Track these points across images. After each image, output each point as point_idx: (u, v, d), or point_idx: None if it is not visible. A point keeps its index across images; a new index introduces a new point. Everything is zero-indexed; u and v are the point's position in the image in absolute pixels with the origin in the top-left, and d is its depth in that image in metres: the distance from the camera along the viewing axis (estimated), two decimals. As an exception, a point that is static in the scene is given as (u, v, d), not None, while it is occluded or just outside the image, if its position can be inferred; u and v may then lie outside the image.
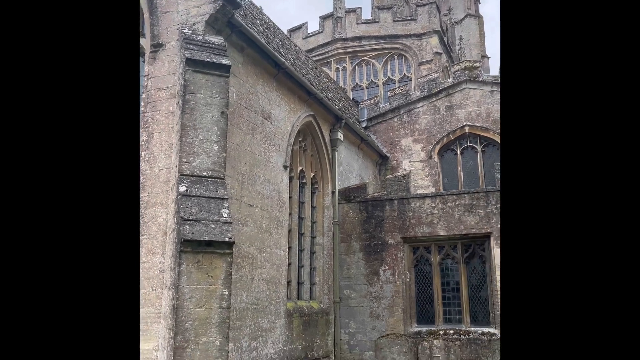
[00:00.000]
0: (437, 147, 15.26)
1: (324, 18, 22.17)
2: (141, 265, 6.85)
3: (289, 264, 9.55)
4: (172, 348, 5.79)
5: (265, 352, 8.28)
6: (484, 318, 10.52)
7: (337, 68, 21.66)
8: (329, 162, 11.45)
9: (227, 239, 6.17)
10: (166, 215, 6.88)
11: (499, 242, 10.12)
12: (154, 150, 7.22)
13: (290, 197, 9.84)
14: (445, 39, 22.42)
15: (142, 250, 6.92)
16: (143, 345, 6.53)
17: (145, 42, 7.79)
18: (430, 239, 11.00)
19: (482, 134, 14.90)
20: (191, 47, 7.00)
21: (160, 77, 7.47)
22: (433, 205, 10.98)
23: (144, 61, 7.76)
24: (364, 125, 16.03)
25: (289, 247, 9.63)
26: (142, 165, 7.22)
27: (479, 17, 31.71)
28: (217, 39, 7.36)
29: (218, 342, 5.91)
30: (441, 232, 10.83)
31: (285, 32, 19.46)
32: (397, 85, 19.74)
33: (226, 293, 6.08)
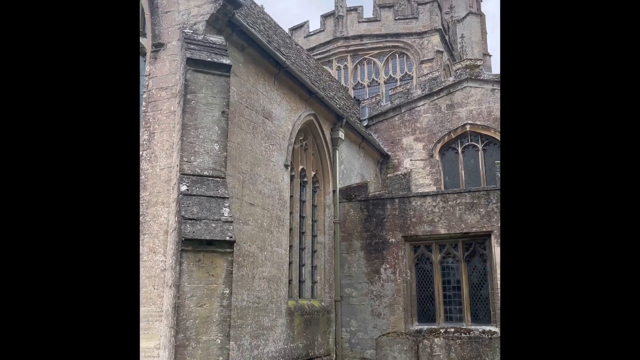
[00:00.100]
0: (439, 146, 15.27)
1: (325, 17, 22.17)
2: (143, 264, 6.88)
3: (290, 263, 9.58)
4: (173, 346, 5.82)
5: (267, 350, 8.32)
6: (485, 316, 10.54)
7: (339, 67, 21.66)
8: (330, 160, 11.47)
9: (227, 238, 6.20)
10: (167, 214, 6.92)
11: (499, 240, 10.14)
12: (155, 150, 7.25)
13: (291, 196, 9.87)
14: (446, 37, 22.40)
15: (144, 249, 6.95)
16: (145, 344, 6.57)
17: (146, 42, 7.81)
18: (431, 237, 11.02)
19: (483, 132, 14.90)
20: (192, 46, 7.02)
21: (161, 76, 7.50)
22: (434, 203, 11.00)
23: (145, 61, 7.79)
24: (365, 123, 16.04)
25: (290, 246, 9.66)
26: (144, 165, 7.25)
27: (480, 15, 31.65)
28: (217, 39, 7.38)
29: (219, 341, 5.94)
30: (442, 231, 10.84)
31: (287, 31, 19.46)
32: (398, 83, 19.74)
33: (227, 292, 6.11)
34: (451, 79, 15.61)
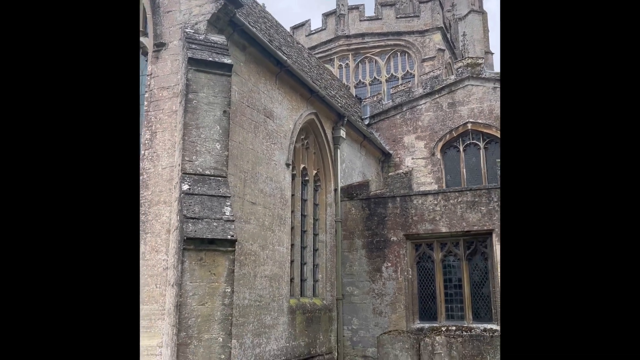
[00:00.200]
0: (440, 144, 15.28)
1: (326, 15, 22.17)
2: (145, 262, 6.92)
3: (292, 261, 9.61)
4: (175, 345, 5.86)
5: (269, 348, 8.35)
6: (486, 314, 10.57)
7: (340, 65, 21.67)
8: (331, 159, 11.49)
9: (229, 236, 6.23)
10: (169, 213, 6.95)
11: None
12: (157, 149, 7.28)
13: (292, 195, 9.89)
14: (448, 36, 22.38)
15: (146, 248, 6.99)
16: (147, 342, 6.61)
17: (148, 42, 7.84)
18: (433, 236, 11.04)
19: (484, 130, 14.91)
20: (193, 46, 7.05)
21: (163, 76, 7.53)
22: (435, 202, 11.02)
23: (147, 60, 7.82)
24: (366, 122, 16.05)
25: (292, 245, 9.69)
26: (146, 164, 7.29)
27: (482, 13, 31.61)
28: (219, 38, 7.40)
29: (221, 339, 5.98)
30: (443, 229, 10.86)
31: (288, 29, 19.48)
32: (400, 82, 19.73)
33: (229, 290, 6.15)
34: (452, 77, 15.61)
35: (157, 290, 6.79)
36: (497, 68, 30.64)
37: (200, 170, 6.59)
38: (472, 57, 16.39)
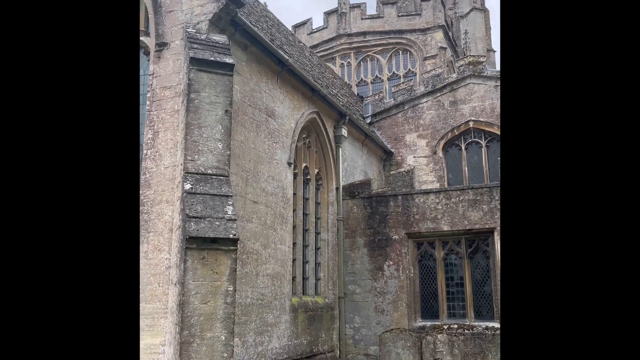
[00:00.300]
0: (442, 143, 15.28)
1: (328, 14, 22.17)
2: (148, 261, 6.96)
3: (294, 260, 9.64)
4: (178, 343, 5.90)
5: (271, 346, 8.39)
6: (488, 313, 10.58)
7: (342, 64, 21.67)
8: (333, 158, 11.51)
9: (231, 235, 6.26)
10: (172, 212, 6.98)
11: (502, 237, 10.15)
12: (159, 149, 7.31)
13: (294, 194, 9.92)
14: (450, 34, 22.36)
15: (149, 247, 7.03)
16: (150, 341, 6.65)
17: (150, 41, 7.86)
18: (435, 234, 11.06)
19: (486, 129, 14.90)
20: (195, 46, 7.07)
21: (165, 75, 7.55)
22: (437, 200, 11.03)
23: (149, 60, 7.84)
24: (368, 120, 16.05)
25: (294, 243, 9.71)
26: (148, 163, 7.32)
27: (484, 11, 31.47)
28: (220, 38, 7.42)
29: (223, 337, 6.01)
30: (445, 228, 10.87)
31: (290, 28, 19.47)
32: (401, 80, 19.73)
33: (231, 289, 6.18)
34: (454, 75, 15.60)
35: (159, 289, 6.83)
36: (499, 66, 30.56)
37: (203, 169, 6.62)
38: (473, 55, 16.38)
